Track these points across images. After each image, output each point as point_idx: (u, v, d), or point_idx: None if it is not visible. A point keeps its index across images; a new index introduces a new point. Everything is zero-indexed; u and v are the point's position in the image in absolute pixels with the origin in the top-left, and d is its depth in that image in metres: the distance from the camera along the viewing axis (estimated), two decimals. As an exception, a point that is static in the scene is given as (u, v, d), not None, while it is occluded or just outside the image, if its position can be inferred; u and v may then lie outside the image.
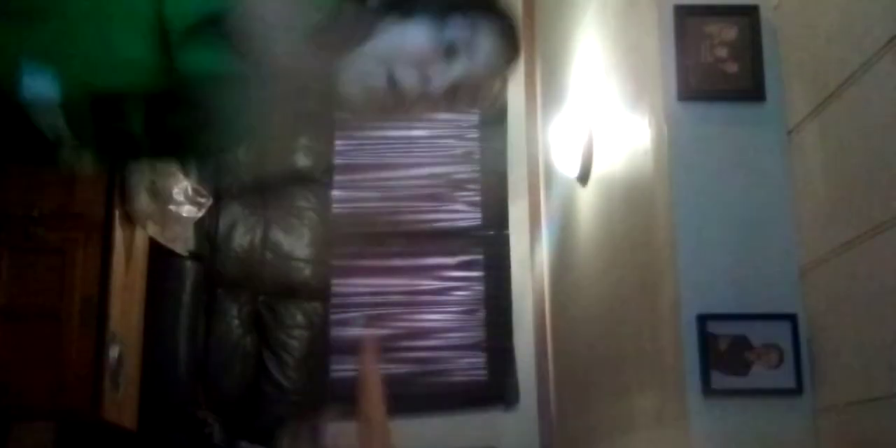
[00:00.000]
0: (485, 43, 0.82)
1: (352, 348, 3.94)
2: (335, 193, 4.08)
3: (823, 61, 1.97)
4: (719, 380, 2.02)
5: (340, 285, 4.00)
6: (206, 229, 3.72)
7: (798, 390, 2.01)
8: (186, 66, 0.84)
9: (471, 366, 3.98)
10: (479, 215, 4.15)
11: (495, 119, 4.20)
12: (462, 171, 4.19)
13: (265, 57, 0.78)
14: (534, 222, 4.09)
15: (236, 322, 3.78)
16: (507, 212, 4.12)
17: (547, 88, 3.98)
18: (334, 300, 3.95)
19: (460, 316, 4.03)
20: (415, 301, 4.05)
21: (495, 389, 3.92)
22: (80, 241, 2.71)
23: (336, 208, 4.07)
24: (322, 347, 3.86)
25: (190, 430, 3.38)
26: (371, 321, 3.98)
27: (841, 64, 1.88)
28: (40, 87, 0.78)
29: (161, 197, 2.92)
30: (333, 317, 3.94)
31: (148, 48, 0.83)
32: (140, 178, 2.85)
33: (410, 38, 0.82)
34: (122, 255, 2.87)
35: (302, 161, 4.02)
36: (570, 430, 3.52)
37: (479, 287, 4.07)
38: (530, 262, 4.05)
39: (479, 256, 4.10)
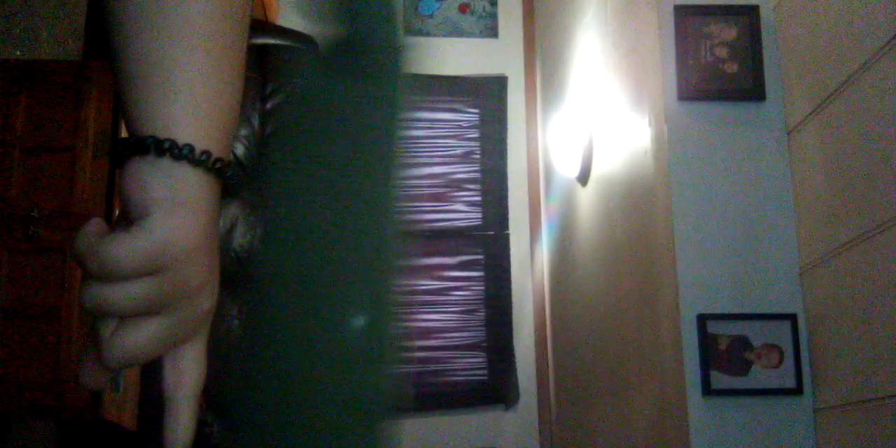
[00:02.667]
0: None
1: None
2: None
3: (823, 61, 1.97)
4: (719, 380, 2.02)
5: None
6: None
7: (798, 390, 2.01)
8: None
9: (471, 366, 3.98)
10: (479, 215, 4.15)
11: (495, 119, 4.20)
12: (462, 171, 4.19)
13: None
14: (534, 222, 4.09)
15: (236, 322, 3.78)
16: (507, 212, 4.12)
17: (547, 88, 3.98)
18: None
19: (460, 316, 4.04)
20: (415, 301, 4.05)
21: (495, 389, 3.92)
22: (80, 241, 2.71)
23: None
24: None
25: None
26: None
27: (841, 64, 1.88)
28: None
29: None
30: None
31: None
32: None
33: None
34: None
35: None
36: (570, 430, 3.52)
37: (479, 287, 4.07)
38: (530, 262, 4.05)
39: (479, 256, 4.10)
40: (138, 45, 0.60)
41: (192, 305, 0.60)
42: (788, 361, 2.02)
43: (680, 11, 2.19)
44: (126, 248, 0.56)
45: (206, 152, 0.59)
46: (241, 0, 0.63)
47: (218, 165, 0.60)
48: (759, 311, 2.06)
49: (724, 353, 2.03)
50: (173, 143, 0.58)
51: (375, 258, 0.70)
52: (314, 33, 0.78)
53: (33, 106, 2.75)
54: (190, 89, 0.60)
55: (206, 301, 0.61)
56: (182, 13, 0.59)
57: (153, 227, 0.57)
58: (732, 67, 2.16)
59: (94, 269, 0.56)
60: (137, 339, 0.58)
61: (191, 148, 0.58)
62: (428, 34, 4.29)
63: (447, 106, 4.23)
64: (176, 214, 0.58)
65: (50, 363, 2.62)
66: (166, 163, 0.58)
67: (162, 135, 0.58)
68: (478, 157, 4.21)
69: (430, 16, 4.32)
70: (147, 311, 0.57)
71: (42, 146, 2.75)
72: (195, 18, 0.60)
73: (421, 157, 4.18)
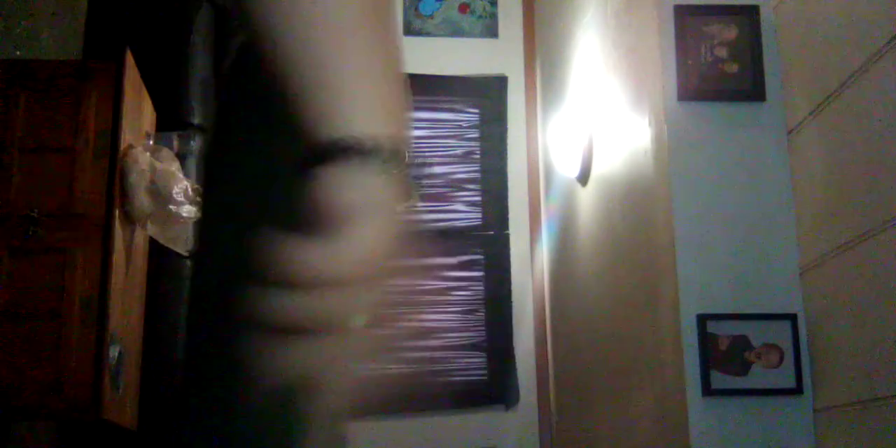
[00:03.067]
0: None
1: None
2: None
3: (823, 61, 1.97)
4: (719, 380, 2.02)
5: (340, 285, 4.00)
6: (206, 229, 3.72)
7: (798, 390, 2.01)
8: None
9: (471, 366, 3.98)
10: (479, 215, 4.15)
11: (495, 119, 4.20)
12: (462, 171, 4.19)
13: None
14: (534, 222, 4.09)
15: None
16: (507, 212, 4.12)
17: (547, 88, 3.98)
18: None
19: (460, 316, 4.03)
20: (415, 301, 4.04)
21: (495, 389, 3.92)
22: (80, 241, 2.71)
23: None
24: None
25: (189, 429, 3.37)
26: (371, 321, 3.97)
27: (841, 64, 1.88)
28: None
29: (161, 197, 2.92)
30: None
31: None
32: (140, 178, 2.84)
33: None
34: (122, 255, 2.87)
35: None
36: (570, 430, 3.52)
37: (479, 287, 4.07)
38: (530, 262, 4.05)
39: (479, 256, 4.10)
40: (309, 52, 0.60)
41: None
42: (788, 361, 2.02)
43: (680, 11, 2.19)
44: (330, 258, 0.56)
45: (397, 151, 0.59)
46: None
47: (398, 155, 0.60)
48: (759, 311, 2.06)
49: (724, 353, 2.03)
50: (376, 145, 0.58)
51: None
52: None
53: (33, 106, 2.75)
54: (364, 89, 0.59)
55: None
56: (332, 15, 0.59)
57: (352, 236, 0.57)
58: (732, 67, 2.16)
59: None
60: None
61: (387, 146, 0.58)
62: (428, 34, 4.29)
63: (447, 106, 4.23)
64: (368, 223, 0.57)
65: (50, 363, 2.61)
66: (366, 166, 0.58)
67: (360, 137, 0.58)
68: (478, 157, 4.20)
69: (430, 16, 4.32)
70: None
71: (42, 146, 2.74)
72: (344, 19, 0.60)
73: (421, 156, 4.18)
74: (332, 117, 0.59)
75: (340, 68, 0.60)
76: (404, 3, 4.32)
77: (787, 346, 2.03)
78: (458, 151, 4.21)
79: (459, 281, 4.08)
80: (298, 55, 0.60)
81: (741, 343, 2.04)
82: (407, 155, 0.60)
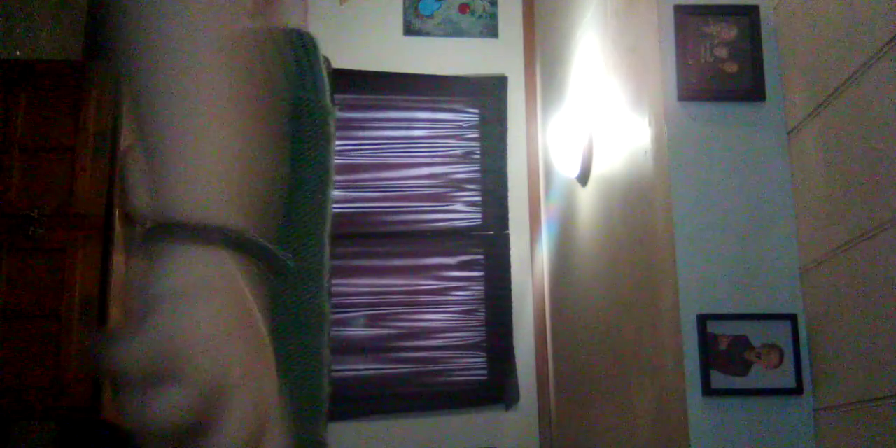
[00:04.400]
0: None
1: (352, 348, 3.95)
2: (335, 193, 4.08)
3: (823, 61, 1.97)
4: (719, 380, 2.02)
5: (340, 285, 4.00)
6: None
7: (798, 390, 2.01)
8: None
9: (471, 366, 3.98)
10: (479, 215, 4.15)
11: (495, 119, 4.20)
12: (462, 171, 4.19)
13: None
14: (534, 222, 4.09)
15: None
16: (507, 212, 4.12)
17: (547, 88, 3.98)
18: (334, 300, 3.96)
19: (460, 316, 4.04)
20: (415, 301, 4.05)
21: (495, 389, 3.92)
22: (80, 241, 2.71)
23: (336, 208, 4.07)
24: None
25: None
26: (371, 321, 3.98)
27: (841, 64, 1.88)
28: None
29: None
30: (333, 317, 3.94)
31: None
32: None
33: None
34: (122, 255, 2.86)
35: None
36: (570, 430, 3.52)
37: (479, 287, 4.07)
38: (530, 262, 4.05)
39: (479, 256, 4.10)
40: (158, 116, 0.56)
41: (252, 394, 0.54)
42: (788, 361, 2.02)
43: (680, 11, 2.19)
44: (128, 355, 0.51)
45: (226, 229, 0.55)
46: (257, 63, 0.60)
47: (244, 242, 0.56)
48: (759, 311, 2.06)
49: (724, 353, 2.03)
50: (196, 227, 0.54)
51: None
52: None
53: (33, 106, 2.75)
54: (213, 165, 0.56)
55: (263, 387, 0.55)
56: (198, 83, 0.57)
57: (153, 326, 0.52)
58: (732, 67, 2.16)
59: (111, 380, 0.52)
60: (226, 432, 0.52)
61: (218, 229, 0.54)
62: (428, 34, 4.29)
63: (447, 106, 4.23)
64: (181, 308, 0.53)
65: (50, 363, 2.61)
66: (187, 248, 0.54)
67: (185, 217, 0.54)
68: (478, 157, 4.21)
69: (430, 16, 4.32)
70: (199, 416, 0.52)
71: (42, 146, 2.75)
72: (213, 87, 0.57)
73: (421, 156, 4.18)
74: (177, 195, 0.55)
75: (191, 137, 0.55)
76: (404, 3, 4.32)
77: (787, 346, 2.03)
78: (458, 151, 4.21)
79: (459, 281, 4.08)
80: (149, 107, 0.56)
81: (741, 343, 2.04)
82: (254, 241, 0.56)
